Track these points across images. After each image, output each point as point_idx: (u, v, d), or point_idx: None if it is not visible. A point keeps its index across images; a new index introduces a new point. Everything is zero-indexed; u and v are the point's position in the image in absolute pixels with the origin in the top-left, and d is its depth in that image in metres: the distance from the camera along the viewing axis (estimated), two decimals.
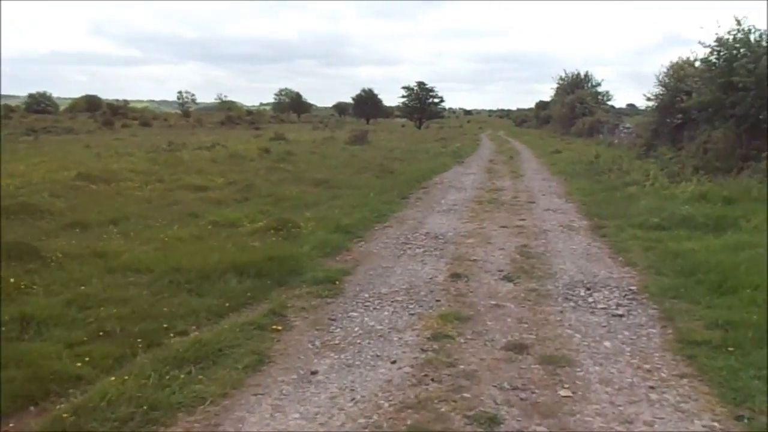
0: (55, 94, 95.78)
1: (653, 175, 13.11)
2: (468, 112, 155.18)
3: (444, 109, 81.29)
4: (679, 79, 19.41)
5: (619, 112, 52.02)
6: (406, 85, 65.88)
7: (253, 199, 10.99)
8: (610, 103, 56.63)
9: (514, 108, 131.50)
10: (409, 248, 7.55)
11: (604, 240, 8.12)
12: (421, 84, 65.46)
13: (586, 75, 56.36)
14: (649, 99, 22.93)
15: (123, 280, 5.71)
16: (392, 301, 5.44)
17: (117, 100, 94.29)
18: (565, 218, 9.87)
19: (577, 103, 49.31)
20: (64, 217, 8.64)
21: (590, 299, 5.54)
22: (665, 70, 22.47)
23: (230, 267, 5.94)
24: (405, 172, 16.23)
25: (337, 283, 5.90)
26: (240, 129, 53.10)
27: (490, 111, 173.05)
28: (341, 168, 16.82)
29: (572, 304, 5.40)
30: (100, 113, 65.27)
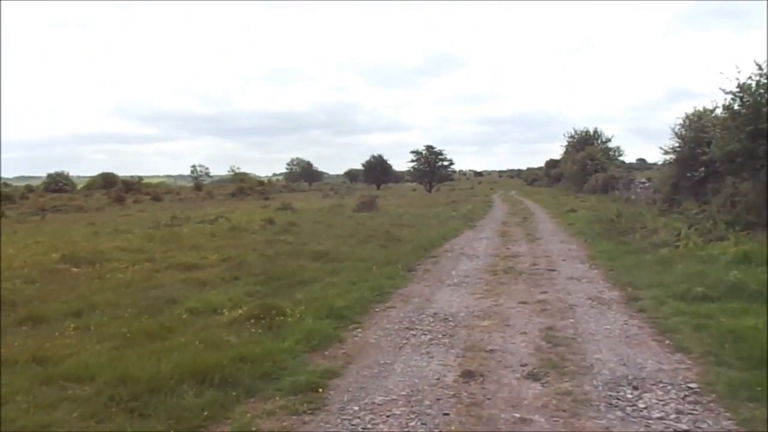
0: (75, 173, 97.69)
1: (684, 234, 11.95)
2: (478, 174, 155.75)
3: (454, 171, 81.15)
4: (698, 129, 18.51)
5: (630, 167, 51.20)
6: (415, 149, 65.91)
7: (244, 278, 9.95)
8: (621, 158, 56.15)
9: (523, 167, 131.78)
10: (414, 335, 6.40)
11: (642, 316, 6.91)
12: (429, 147, 65.48)
13: (596, 131, 56.03)
14: (666, 152, 22.03)
15: (56, 395, 4.63)
16: (388, 416, 4.27)
17: (132, 177, 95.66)
18: (593, 289, 8.69)
19: (588, 160, 48.66)
20: (24, 309, 7.67)
21: (641, 404, 4.33)
22: (680, 122, 21.69)
23: (190, 373, 4.82)
24: (413, 240, 15.19)
25: (321, 390, 4.74)
26: (250, 200, 52.89)
27: (501, 171, 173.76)
28: (345, 238, 15.86)
29: (619, 413, 4.19)
30: (114, 190, 65.94)
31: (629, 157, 56.95)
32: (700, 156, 18.13)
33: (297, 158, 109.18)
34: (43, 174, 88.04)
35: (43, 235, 20.28)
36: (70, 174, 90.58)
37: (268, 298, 8.30)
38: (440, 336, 6.33)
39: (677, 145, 21.57)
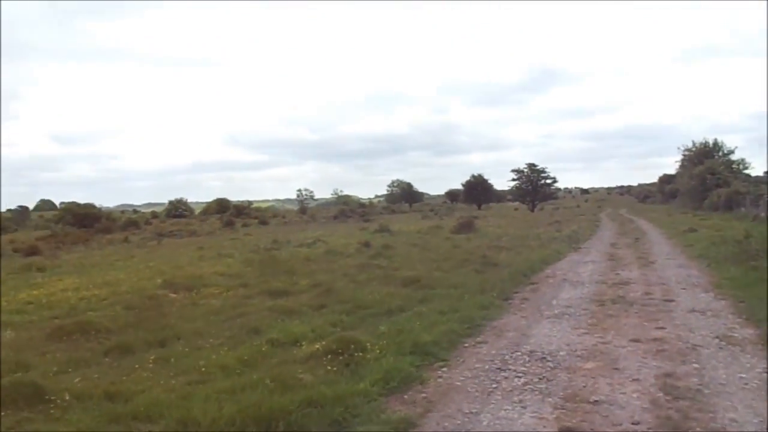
0: (194, 199, 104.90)
1: None
2: (585, 191, 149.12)
3: (558, 189, 78.05)
4: None
5: (757, 181, 46.53)
6: (516, 167, 64.07)
7: (331, 305, 9.65)
8: (746, 171, 51.38)
9: (634, 183, 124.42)
10: (505, 378, 5.69)
11: None
12: (531, 165, 63.45)
13: (716, 143, 51.73)
14: None
15: None
16: None
17: (242, 202, 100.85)
18: (720, 325, 7.50)
19: (708, 174, 44.89)
20: (114, 338, 7.79)
21: None
22: None
23: (254, 418, 4.46)
24: (511, 264, 14.30)
25: None
26: (351, 222, 53.60)
27: (609, 188, 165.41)
28: (440, 262, 15.26)
29: None
30: (227, 214, 69.78)
31: (755, 169, 51.67)
32: None
33: (397, 180, 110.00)
34: (164, 201, 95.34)
35: (154, 260, 21.43)
36: (189, 200, 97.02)
37: (351, 330, 7.92)
38: (536, 380, 5.58)
39: None
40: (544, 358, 6.32)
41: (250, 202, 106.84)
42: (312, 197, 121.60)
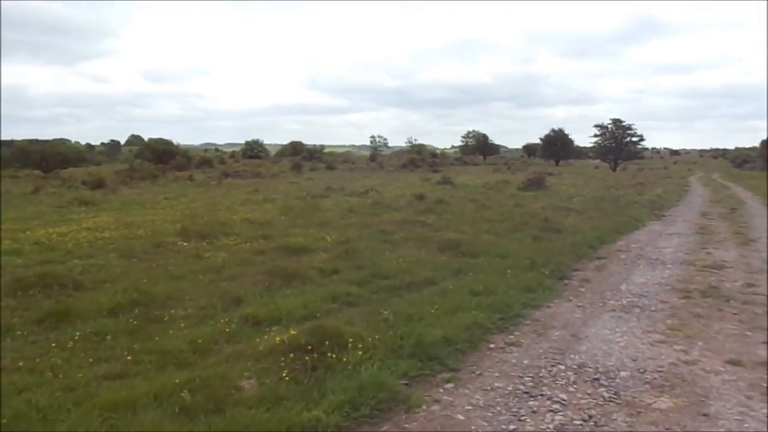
0: (272, 141, 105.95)
1: None
2: (675, 152, 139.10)
3: (644, 148, 72.33)
4: None
5: None
6: (600, 123, 59.26)
7: (345, 271, 8.05)
8: None
9: (731, 146, 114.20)
10: (533, 411, 3.90)
11: None
12: (616, 121, 58.35)
13: None
14: None
15: None
16: None
17: (315, 146, 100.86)
18: None
19: None
20: (74, 295, 6.55)
21: None
22: None
23: None
24: (578, 231, 12.15)
25: None
26: (419, 172, 51.68)
27: (702, 150, 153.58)
28: (495, 222, 13.31)
29: None
30: (294, 158, 69.66)
31: None
32: None
33: (473, 131, 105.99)
34: (242, 141, 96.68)
35: (199, 201, 20.61)
36: (267, 142, 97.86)
37: (352, 307, 6.30)
38: (579, 420, 3.76)
39: None
40: (598, 379, 4.46)
41: (323, 147, 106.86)
42: (386, 144, 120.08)
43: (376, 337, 4.89)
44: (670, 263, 9.25)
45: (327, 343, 4.57)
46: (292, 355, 4.43)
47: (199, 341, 5.00)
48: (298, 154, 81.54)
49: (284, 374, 4.15)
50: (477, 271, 8.07)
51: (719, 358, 4.92)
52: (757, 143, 74.61)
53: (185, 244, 10.54)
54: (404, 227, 12.39)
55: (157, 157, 51.59)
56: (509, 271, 7.86)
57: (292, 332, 4.80)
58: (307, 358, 4.39)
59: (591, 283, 7.81)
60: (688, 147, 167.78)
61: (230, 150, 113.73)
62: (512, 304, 6.35)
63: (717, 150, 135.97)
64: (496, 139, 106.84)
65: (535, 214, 14.68)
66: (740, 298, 6.98)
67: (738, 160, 78.93)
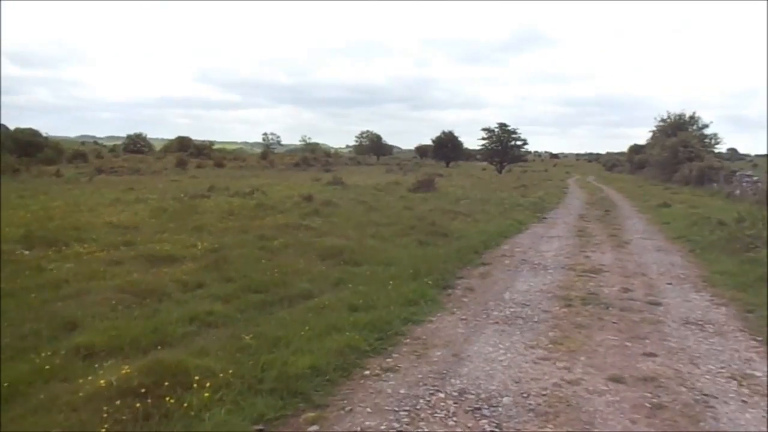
0: (159, 136, 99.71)
1: None
2: (554, 156, 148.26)
3: (528, 152, 76.13)
4: None
5: (720, 157, 45.29)
6: (487, 126, 61.44)
7: (211, 284, 7.20)
8: (717, 147, 50.17)
9: (603, 152, 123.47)
10: None
11: None
12: (502, 125, 60.79)
13: (692, 116, 50.02)
14: None
15: None
16: None
17: (204, 142, 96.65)
18: (731, 351, 5.33)
19: (680, 147, 43.24)
20: None
21: None
22: None
23: None
24: (464, 236, 12.02)
25: None
26: (312, 171, 50.79)
27: (578, 155, 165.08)
28: (382, 226, 12.89)
29: None
30: (179, 154, 66.04)
31: (720, 146, 50.26)
32: None
33: (367, 131, 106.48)
34: (124, 134, 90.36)
35: (60, 200, 18.50)
36: (152, 136, 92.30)
37: (214, 328, 5.51)
38: None
39: None
40: (479, 409, 4.02)
41: (212, 143, 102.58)
42: (279, 142, 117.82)
43: (230, 371, 4.14)
44: (551, 268, 9.24)
45: (167, 383, 3.78)
46: (119, 401, 3.60)
47: (6, 384, 4.01)
48: (185, 150, 77.56)
49: (103, 430, 3.32)
50: (358, 281, 7.53)
51: (602, 374, 4.68)
52: (625, 149, 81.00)
53: (26, 252, 9.12)
54: (287, 232, 11.63)
55: (22, 149, 46.68)
56: (391, 282, 7.38)
57: (124, 371, 3.95)
58: (138, 404, 3.57)
59: (475, 292, 7.51)
60: (566, 151, 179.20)
61: (112, 144, 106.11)
62: (392, 320, 5.84)
63: (591, 154, 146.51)
64: (389, 139, 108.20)
65: (423, 217, 14.46)
66: (618, 304, 6.96)
67: (609, 163, 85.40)
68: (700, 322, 6.29)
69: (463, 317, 6.31)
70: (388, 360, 4.92)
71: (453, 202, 19.97)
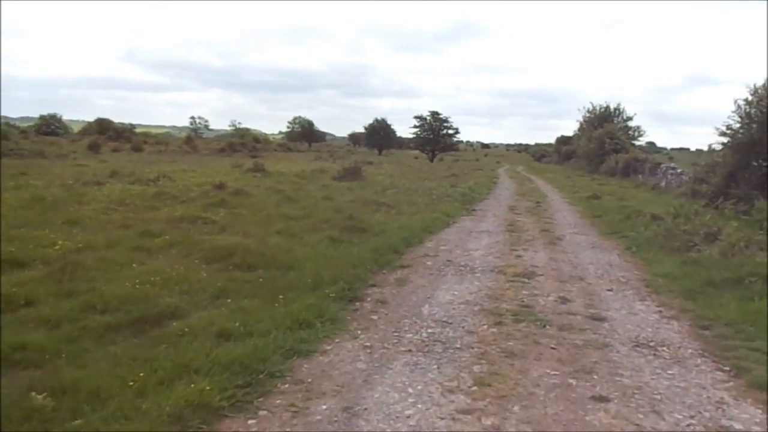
0: (81, 118, 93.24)
1: None
2: (485, 146, 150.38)
3: (459, 141, 76.17)
4: None
5: (641, 150, 46.59)
6: (420, 114, 60.59)
7: (46, 301, 5.52)
8: (642, 139, 51.48)
9: (531, 142, 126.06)
10: None
11: None
12: (434, 114, 60.14)
13: (617, 108, 50.95)
14: (723, 133, 17.20)
15: None
16: None
17: (123, 124, 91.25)
18: (695, 387, 4.24)
19: (606, 138, 43.82)
20: None
21: None
22: (748, 96, 16.79)
23: None
24: (385, 231, 10.70)
25: None
26: (236, 157, 48.20)
27: (508, 145, 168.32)
28: (294, 220, 11.41)
29: None
30: (105, 137, 61.79)
31: (642, 139, 51.67)
32: None
33: (299, 117, 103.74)
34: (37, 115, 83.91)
35: None
36: (73, 118, 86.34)
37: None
38: None
39: (738, 125, 16.81)
40: None
41: (132, 126, 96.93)
42: (207, 127, 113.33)
43: None
44: (479, 271, 8.07)
45: None
46: None
47: None
48: (103, 133, 72.65)
49: None
50: (245, 293, 6.05)
51: (538, 425, 3.45)
52: (553, 140, 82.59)
53: None
54: (179, 227, 9.95)
55: None
56: (285, 294, 5.94)
57: None
58: None
59: (387, 305, 6.18)
60: (497, 141, 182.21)
61: (26, 125, 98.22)
62: (271, 354, 4.41)
63: (521, 145, 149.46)
64: (324, 126, 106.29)
65: (341, 209, 13.04)
66: (557, 321, 5.81)
67: (537, 154, 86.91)
68: (652, 344, 5.22)
69: (368, 343, 4.96)
70: (250, 422, 3.49)
71: (379, 191, 18.66)
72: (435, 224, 12.28)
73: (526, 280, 7.55)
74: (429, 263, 8.48)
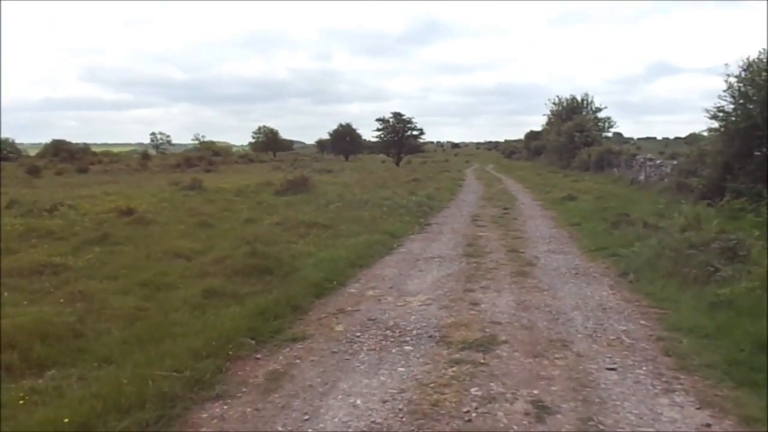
0: (43, 141, 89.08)
1: None
2: (456, 146, 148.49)
3: (429, 142, 73.77)
4: None
5: (612, 142, 44.73)
6: (382, 117, 57.90)
7: None
8: (611, 131, 49.76)
9: (501, 140, 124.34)
10: None
11: None
12: (397, 115, 57.52)
13: (585, 99, 48.98)
14: (715, 116, 14.73)
15: None
16: None
17: (81, 144, 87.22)
18: None
19: (576, 132, 41.63)
20: None
21: None
22: (740, 73, 14.32)
23: None
24: (297, 269, 7.89)
25: None
26: (191, 172, 44.84)
27: (478, 143, 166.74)
28: (185, 259, 8.58)
29: None
30: (58, 159, 58.19)
31: (612, 129, 49.86)
32: None
33: (263, 126, 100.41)
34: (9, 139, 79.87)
35: None
36: (34, 141, 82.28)
37: None
38: None
39: (732, 107, 14.39)
40: None
41: (87, 145, 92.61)
42: (169, 142, 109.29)
43: None
44: (412, 337, 5.33)
45: None
46: None
47: None
48: (57, 154, 68.75)
49: None
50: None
51: None
52: (522, 136, 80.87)
53: None
54: (5, 285, 7.02)
55: None
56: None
57: None
58: None
59: (248, 423, 3.40)
60: (467, 140, 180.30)
61: None
62: None
63: (491, 143, 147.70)
64: (294, 135, 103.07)
65: (255, 238, 10.17)
66: None
67: (507, 151, 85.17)
68: None
69: None
70: None
71: (321, 207, 15.85)
72: (372, 251, 9.52)
73: (481, 358, 4.82)
74: (339, 327, 5.69)
